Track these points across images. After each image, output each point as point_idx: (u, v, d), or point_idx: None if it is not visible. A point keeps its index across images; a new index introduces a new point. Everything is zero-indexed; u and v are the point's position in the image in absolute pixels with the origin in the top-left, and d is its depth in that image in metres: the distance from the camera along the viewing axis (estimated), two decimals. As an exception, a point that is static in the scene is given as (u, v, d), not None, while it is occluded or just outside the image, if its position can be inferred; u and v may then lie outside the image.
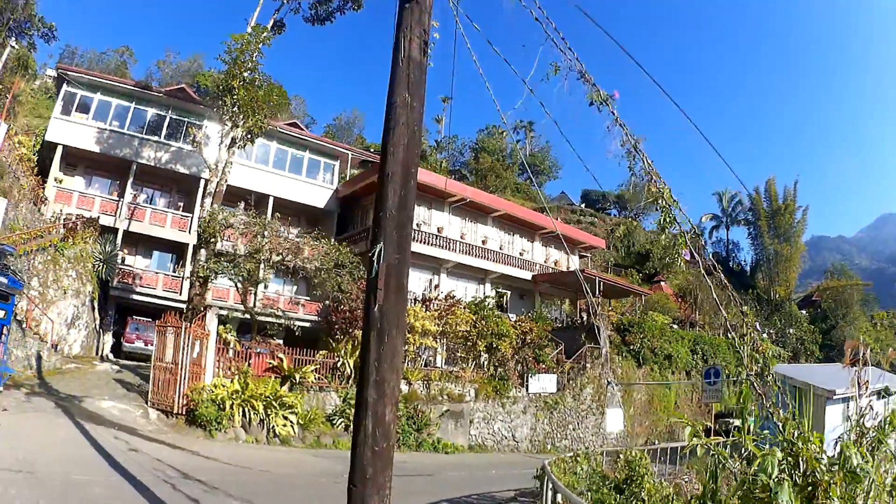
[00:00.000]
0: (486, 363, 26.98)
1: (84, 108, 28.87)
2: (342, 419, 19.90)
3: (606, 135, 6.15)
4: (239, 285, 21.83)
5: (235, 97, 21.73)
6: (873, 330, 64.63)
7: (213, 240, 20.88)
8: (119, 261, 27.16)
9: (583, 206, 75.47)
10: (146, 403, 17.13)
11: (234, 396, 17.25)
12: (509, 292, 35.47)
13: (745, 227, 75.03)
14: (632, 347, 34.58)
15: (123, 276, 27.48)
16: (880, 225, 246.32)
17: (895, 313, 74.69)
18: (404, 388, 22.76)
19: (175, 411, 16.73)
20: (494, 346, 26.31)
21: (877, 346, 61.10)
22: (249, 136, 22.77)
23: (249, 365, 19.54)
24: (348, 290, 22.69)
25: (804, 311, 65.59)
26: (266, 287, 28.41)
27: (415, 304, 25.44)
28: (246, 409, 17.21)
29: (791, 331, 58.10)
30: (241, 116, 22.05)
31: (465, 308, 27.13)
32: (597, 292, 34.15)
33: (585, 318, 34.14)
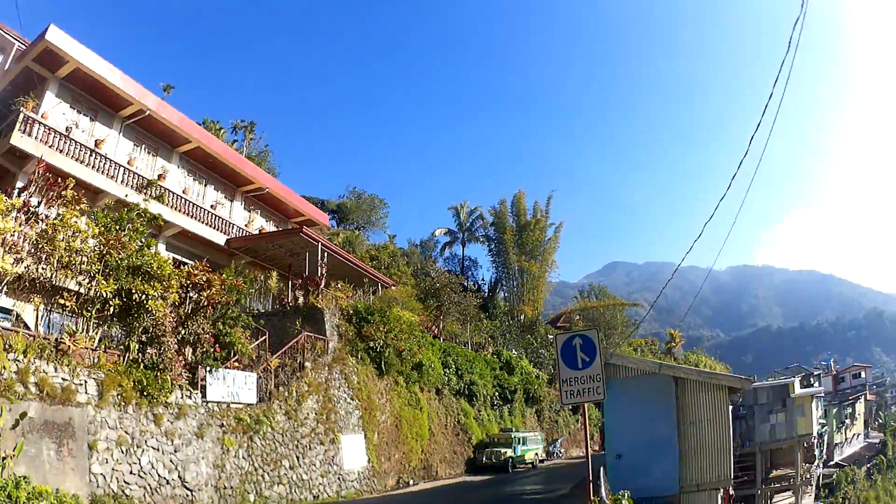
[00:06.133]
0: (123, 335, 16.08)
1: None
2: None
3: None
4: None
5: None
6: (636, 354, 66.43)
7: None
8: None
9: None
10: None
11: None
12: (192, 261, 25.93)
13: (484, 244, 71.12)
14: (371, 346, 26.92)
15: None
16: (608, 272, 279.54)
17: (654, 340, 78.89)
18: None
19: None
20: (137, 299, 15.47)
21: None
22: None
23: None
24: None
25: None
26: None
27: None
28: None
29: (544, 352, 56.30)
30: None
31: (91, 217, 16.55)
32: (320, 265, 26.43)
33: (302, 299, 25.70)
